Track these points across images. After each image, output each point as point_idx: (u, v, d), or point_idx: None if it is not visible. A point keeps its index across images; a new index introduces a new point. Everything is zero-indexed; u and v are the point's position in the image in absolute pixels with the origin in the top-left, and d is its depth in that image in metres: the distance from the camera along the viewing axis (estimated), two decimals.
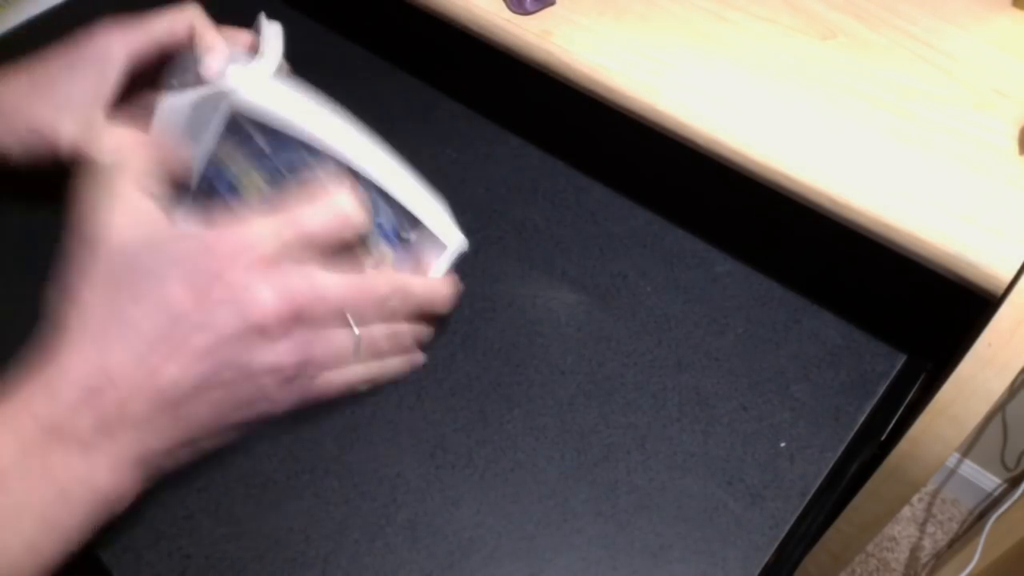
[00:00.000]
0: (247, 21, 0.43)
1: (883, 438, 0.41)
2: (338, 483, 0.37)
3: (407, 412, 0.40)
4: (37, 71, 0.41)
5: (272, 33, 0.41)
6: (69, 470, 0.30)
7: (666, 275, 0.45)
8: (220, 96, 0.38)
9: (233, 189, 0.37)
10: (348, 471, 0.38)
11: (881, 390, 0.41)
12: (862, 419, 0.40)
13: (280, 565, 0.35)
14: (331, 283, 0.34)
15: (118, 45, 0.40)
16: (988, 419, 1.11)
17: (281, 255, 0.32)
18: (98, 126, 0.39)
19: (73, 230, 0.33)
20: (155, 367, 0.31)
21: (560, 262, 0.46)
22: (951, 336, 0.41)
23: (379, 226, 0.37)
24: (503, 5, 0.44)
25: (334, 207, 0.34)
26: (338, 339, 0.35)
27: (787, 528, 0.36)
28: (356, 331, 0.35)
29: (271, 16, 0.42)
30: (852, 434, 0.40)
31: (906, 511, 1.29)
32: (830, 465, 0.38)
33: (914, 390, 0.42)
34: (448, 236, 0.38)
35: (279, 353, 0.33)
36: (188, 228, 0.33)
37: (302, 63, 0.42)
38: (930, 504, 1.29)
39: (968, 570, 1.01)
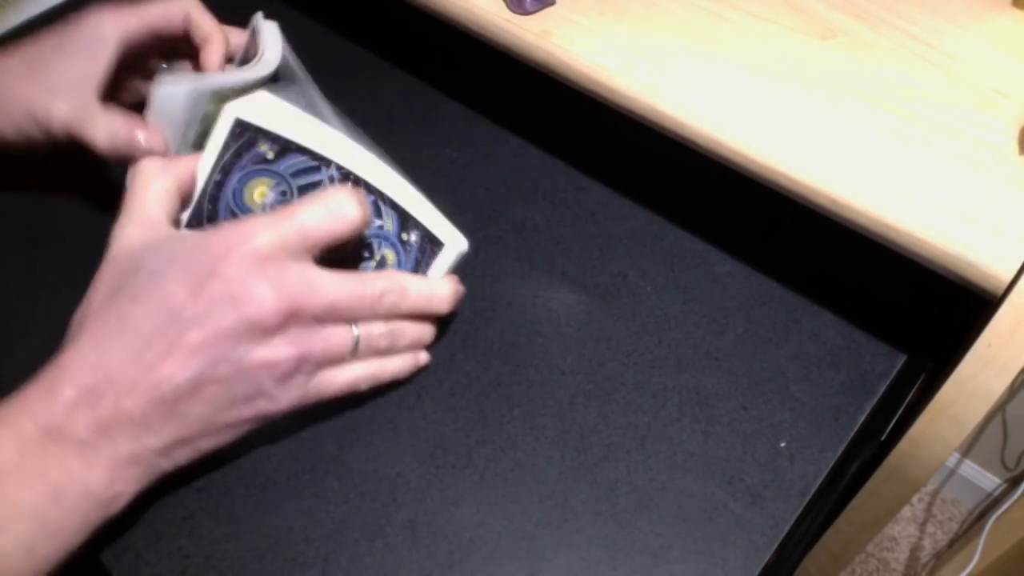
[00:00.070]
0: (247, 21, 0.43)
1: (883, 438, 0.41)
2: (338, 483, 0.37)
3: (407, 412, 0.40)
4: (29, 53, 0.40)
5: (270, 33, 0.41)
6: (66, 471, 0.30)
7: (666, 275, 0.45)
8: (219, 96, 0.38)
9: (238, 194, 0.37)
10: (348, 471, 0.38)
11: (881, 390, 0.41)
12: (862, 419, 0.40)
13: (280, 565, 0.35)
14: (329, 281, 0.34)
15: (111, 27, 0.40)
16: (988, 419, 1.11)
17: (280, 253, 0.32)
18: (92, 109, 0.39)
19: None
20: (152, 364, 0.31)
21: (560, 262, 0.46)
22: (951, 336, 0.41)
23: (380, 229, 0.37)
24: (503, 5, 0.44)
25: (334, 206, 0.34)
26: (336, 337, 0.35)
27: (787, 528, 0.36)
28: (355, 330, 0.35)
29: (271, 16, 0.42)
30: (852, 434, 0.40)
31: (906, 511, 1.29)
32: (830, 465, 0.38)
33: (914, 390, 0.42)
34: (449, 238, 0.38)
35: (275, 349, 0.33)
36: (191, 232, 0.34)
37: (302, 63, 0.42)
38: (930, 504, 1.29)
39: (968, 570, 1.01)
